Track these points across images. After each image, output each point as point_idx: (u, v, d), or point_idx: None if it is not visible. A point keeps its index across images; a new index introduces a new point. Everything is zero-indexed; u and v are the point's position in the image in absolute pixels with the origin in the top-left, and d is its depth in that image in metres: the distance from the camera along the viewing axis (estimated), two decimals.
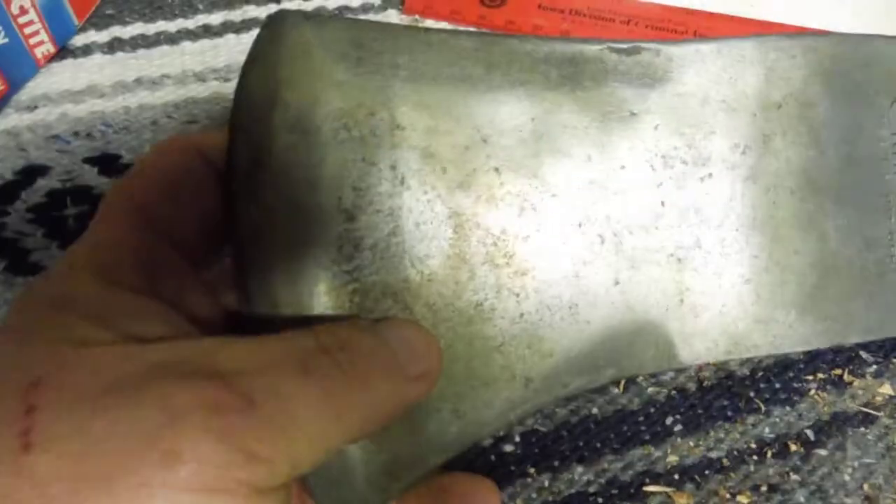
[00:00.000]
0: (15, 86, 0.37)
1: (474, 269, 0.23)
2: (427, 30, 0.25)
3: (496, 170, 0.23)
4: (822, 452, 0.29)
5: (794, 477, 0.28)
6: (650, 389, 0.30)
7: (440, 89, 0.23)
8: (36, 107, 0.37)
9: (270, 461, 0.16)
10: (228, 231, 0.22)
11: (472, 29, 0.42)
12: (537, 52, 0.24)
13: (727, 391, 0.30)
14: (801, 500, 0.28)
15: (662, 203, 0.25)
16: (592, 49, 0.24)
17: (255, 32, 0.40)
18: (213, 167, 0.22)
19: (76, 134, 0.37)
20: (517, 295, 0.23)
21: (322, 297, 0.21)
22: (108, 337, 0.17)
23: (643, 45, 0.25)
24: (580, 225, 0.24)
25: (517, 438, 0.29)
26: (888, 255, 0.27)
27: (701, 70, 0.25)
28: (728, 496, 0.28)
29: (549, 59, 0.24)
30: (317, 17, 0.22)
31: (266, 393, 0.17)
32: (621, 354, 0.24)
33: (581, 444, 0.29)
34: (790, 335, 0.26)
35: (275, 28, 0.22)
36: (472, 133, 0.23)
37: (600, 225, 0.24)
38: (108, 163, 0.36)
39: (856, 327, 0.26)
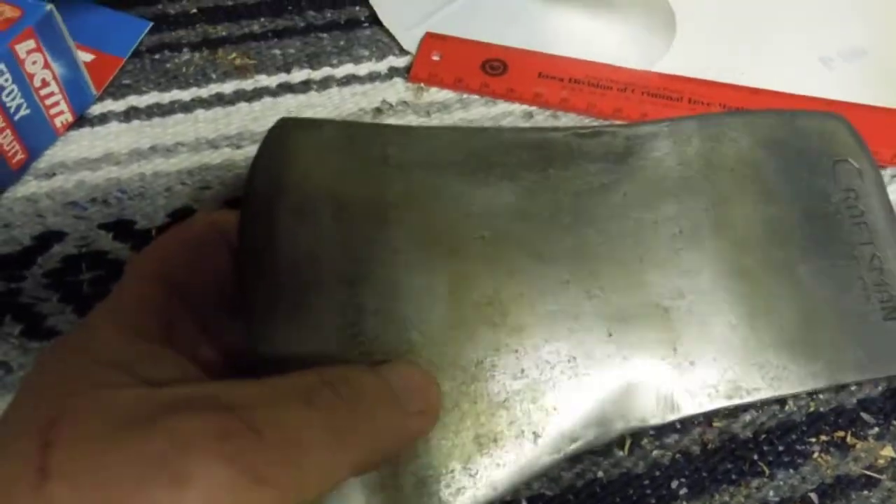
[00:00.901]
0: (34, 154, 0.39)
1: (472, 328, 0.24)
2: (410, 126, 0.29)
3: (483, 238, 0.26)
4: None
5: None
6: (655, 452, 0.31)
7: (426, 173, 0.26)
8: (54, 174, 0.39)
9: (279, 486, 0.17)
10: (238, 300, 0.24)
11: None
12: (511, 140, 0.28)
13: (731, 454, 0.31)
14: None
15: (640, 259, 0.27)
16: (559, 135, 0.29)
17: (265, 100, 0.42)
18: (226, 240, 0.25)
19: (93, 200, 0.38)
20: (516, 351, 0.25)
21: (329, 360, 0.23)
22: (125, 380, 0.19)
23: (602, 129, 0.29)
24: (567, 283, 0.26)
25: (524, 503, 0.29)
26: (864, 297, 0.28)
27: (655, 146, 0.29)
28: None
29: (522, 145, 0.28)
30: (314, 120, 0.26)
31: (272, 422, 0.18)
32: (624, 406, 0.25)
33: None
34: (786, 376, 0.27)
35: (278, 132, 0.25)
36: (458, 207, 0.26)
37: (586, 282, 0.26)
38: (122, 228, 0.37)
39: (848, 365, 0.27)
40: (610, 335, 0.26)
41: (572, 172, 0.28)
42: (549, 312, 0.25)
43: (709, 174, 0.29)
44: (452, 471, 0.23)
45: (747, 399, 0.26)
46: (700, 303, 0.27)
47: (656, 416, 0.26)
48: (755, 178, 0.29)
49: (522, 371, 0.24)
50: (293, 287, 0.23)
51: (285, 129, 0.25)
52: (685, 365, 0.26)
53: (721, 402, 0.26)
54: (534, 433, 0.24)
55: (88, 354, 0.19)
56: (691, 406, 0.26)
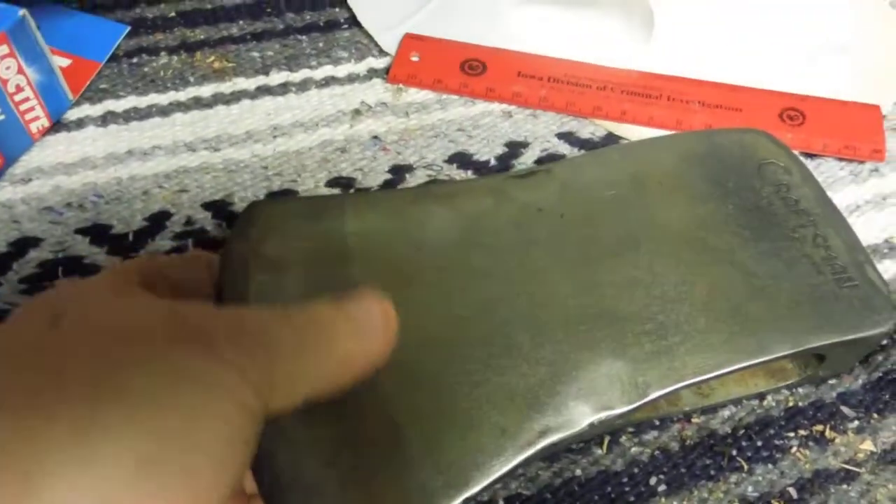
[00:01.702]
0: (10, 159, 0.39)
1: (433, 344, 0.26)
2: (368, 192, 0.34)
3: (435, 267, 0.28)
4: None
5: None
6: (633, 449, 0.31)
7: (380, 222, 0.29)
8: (30, 179, 0.38)
9: (258, 381, 0.18)
10: None
11: (452, 96, 0.43)
12: (455, 189, 0.31)
13: (710, 450, 0.31)
14: None
15: (586, 265, 0.29)
16: (497, 179, 0.32)
17: (244, 103, 0.42)
18: (209, 266, 0.28)
19: (69, 205, 0.38)
20: (475, 358, 0.26)
21: None
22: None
23: (535, 169, 0.32)
24: (517, 294, 0.28)
25: (501, 503, 0.29)
26: (814, 271, 0.29)
27: (584, 174, 0.32)
28: None
29: (465, 192, 0.31)
30: (282, 199, 0.31)
31: (255, 322, 0.19)
32: (590, 395, 0.26)
33: None
34: (748, 347, 0.27)
35: (251, 209, 0.29)
36: (410, 244, 0.29)
37: (536, 291, 0.28)
38: (99, 233, 0.37)
39: (810, 331, 0.28)
40: (567, 334, 0.27)
41: (509, 206, 0.30)
42: (504, 320, 0.27)
43: (637, 189, 0.32)
44: (423, 467, 0.23)
45: (713, 373, 0.27)
46: (649, 296, 0.28)
47: (622, 402, 0.26)
48: (682, 186, 0.32)
49: (484, 374, 0.26)
50: None
51: (257, 206, 0.29)
52: (644, 352, 0.27)
53: (687, 380, 0.26)
54: (500, 426, 0.24)
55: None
56: (657, 389, 0.26)
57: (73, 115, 0.41)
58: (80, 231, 0.37)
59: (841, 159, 0.41)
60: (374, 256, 0.28)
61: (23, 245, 0.36)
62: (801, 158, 0.34)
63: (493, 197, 0.31)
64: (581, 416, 0.25)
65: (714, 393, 0.31)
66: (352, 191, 0.39)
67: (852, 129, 0.41)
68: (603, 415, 0.25)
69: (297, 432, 0.24)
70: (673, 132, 0.41)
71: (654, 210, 0.31)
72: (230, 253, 0.27)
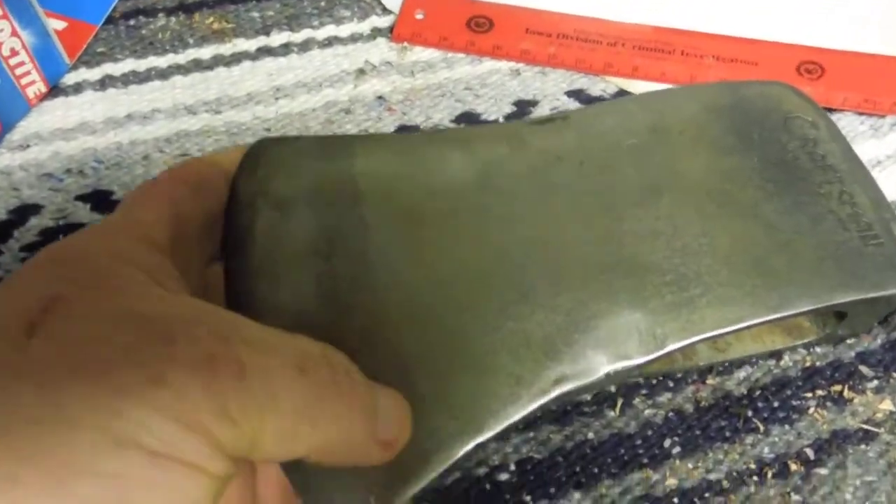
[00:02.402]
0: (7, 125, 0.38)
1: (442, 287, 0.25)
2: (379, 133, 0.32)
3: (447, 210, 0.27)
4: (823, 472, 0.29)
5: (794, 497, 0.28)
6: (647, 411, 0.30)
7: (392, 163, 0.28)
8: (28, 146, 0.38)
9: (239, 426, 0.17)
10: (226, 292, 0.25)
11: (458, 54, 0.42)
12: (469, 133, 0.30)
13: (725, 411, 0.30)
14: None
15: (606, 213, 0.28)
16: (514, 126, 0.31)
17: (244, 65, 0.41)
18: (226, 174, 0.26)
19: (68, 171, 0.37)
20: (488, 302, 0.25)
21: (310, 319, 0.24)
22: (143, 279, 0.19)
23: (553, 115, 0.31)
24: (534, 239, 0.27)
25: (512, 466, 0.29)
26: (840, 227, 0.28)
27: (603, 122, 0.30)
28: None
29: (480, 137, 0.29)
30: (290, 136, 0.29)
31: (259, 369, 0.17)
32: (605, 342, 0.25)
33: (578, 469, 0.29)
34: (769, 301, 0.26)
35: (257, 146, 0.27)
36: (423, 187, 0.27)
37: (553, 237, 0.27)
38: (100, 199, 0.36)
39: (833, 287, 0.27)
40: (585, 283, 0.26)
41: (527, 152, 0.29)
42: (520, 266, 0.26)
43: (657, 138, 0.30)
44: (434, 411, 0.23)
45: (733, 326, 0.26)
46: (670, 247, 0.27)
47: (640, 353, 0.25)
48: (704, 137, 0.30)
49: (498, 320, 0.25)
50: (272, 265, 0.25)
51: (264, 144, 0.27)
52: (664, 303, 0.26)
53: (707, 333, 0.26)
54: (514, 374, 0.24)
55: (109, 251, 0.20)
56: (675, 341, 0.25)
57: (70, 79, 0.40)
58: (80, 198, 0.36)
59: (861, 113, 0.40)
60: (385, 197, 0.27)
61: (23, 212, 0.35)
62: (832, 119, 0.33)
63: (509, 143, 0.29)
64: (598, 365, 0.24)
65: (730, 348, 0.31)
66: None
67: (872, 82, 0.40)
68: (620, 364, 0.25)
69: None
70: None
71: (675, 160, 0.29)
72: (236, 190, 0.26)
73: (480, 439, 0.23)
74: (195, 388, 0.16)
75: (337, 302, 0.24)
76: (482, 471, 0.28)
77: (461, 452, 0.22)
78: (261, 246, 0.25)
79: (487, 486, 0.28)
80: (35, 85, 0.38)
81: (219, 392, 0.17)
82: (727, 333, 0.26)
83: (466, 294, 0.25)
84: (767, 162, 0.30)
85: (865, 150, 0.38)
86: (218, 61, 0.41)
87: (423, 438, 0.22)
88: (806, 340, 0.31)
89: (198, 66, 0.41)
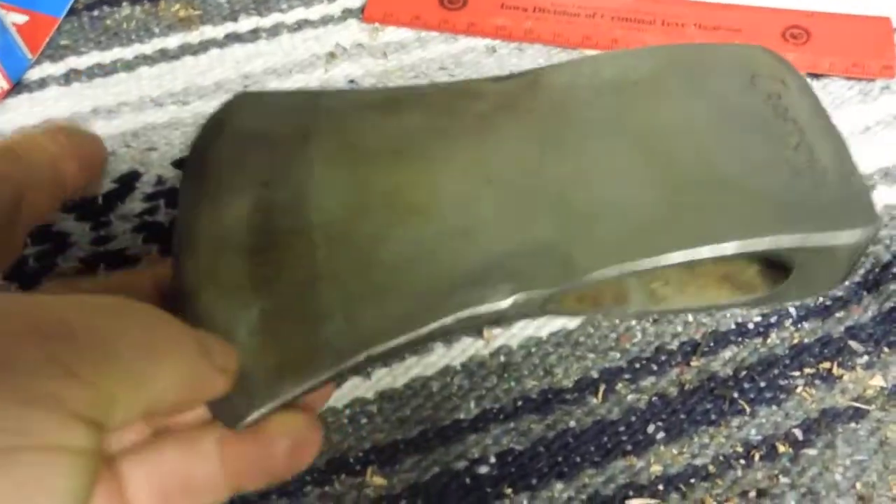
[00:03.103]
0: None
1: (372, 211, 0.26)
2: (343, 89, 0.34)
3: (392, 149, 0.28)
4: (812, 452, 0.28)
5: (783, 480, 0.27)
6: (630, 397, 0.29)
7: (349, 112, 0.29)
8: None
9: (86, 381, 0.16)
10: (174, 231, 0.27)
11: (432, 33, 0.41)
12: (429, 88, 0.31)
13: (710, 393, 0.29)
14: (792, 503, 0.27)
15: (542, 154, 0.28)
16: (474, 82, 0.31)
17: (212, 52, 0.40)
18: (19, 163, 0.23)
19: None
20: (408, 225, 0.26)
21: (240, 237, 0.26)
22: None
23: (514, 74, 0.31)
24: (465, 172, 0.27)
25: (492, 459, 0.28)
26: (793, 173, 0.27)
27: (560, 76, 0.30)
28: None
29: (438, 90, 0.30)
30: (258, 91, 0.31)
31: (85, 326, 0.17)
32: (514, 270, 0.25)
33: (560, 459, 0.28)
34: (693, 235, 0.25)
35: (227, 102, 0.29)
36: (373, 130, 0.28)
37: (483, 172, 0.27)
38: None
39: (770, 225, 0.26)
40: (505, 217, 0.26)
41: (480, 102, 0.29)
42: (446, 203, 0.27)
43: (612, 89, 0.30)
44: (332, 317, 0.24)
45: (650, 258, 0.25)
46: (601, 187, 0.27)
47: (549, 282, 0.25)
48: (661, 89, 0.30)
49: (412, 249, 0.25)
50: (216, 187, 0.27)
51: (235, 96, 0.30)
52: (581, 235, 0.26)
53: (622, 265, 0.25)
54: (417, 293, 0.24)
55: None
56: (587, 272, 0.25)
57: (33, 74, 0.39)
58: None
59: (849, 78, 0.38)
60: (335, 137, 0.28)
61: None
62: (806, 78, 0.32)
63: (467, 96, 0.30)
64: (502, 292, 0.24)
65: (669, 299, 0.29)
66: None
67: (861, 46, 0.39)
68: (526, 294, 0.24)
69: (224, 275, 0.25)
70: None
71: (624, 109, 0.29)
72: (203, 129, 0.28)
73: (371, 352, 0.23)
74: (29, 358, 0.15)
75: (267, 222, 0.26)
76: (461, 464, 0.28)
77: (349, 363, 0.23)
78: (212, 172, 0.27)
79: (467, 480, 0.28)
80: None
81: (53, 353, 0.16)
82: (646, 271, 0.25)
83: (388, 223, 0.26)
84: (723, 112, 0.29)
85: (854, 116, 0.37)
86: (185, 50, 0.40)
87: (317, 345, 0.23)
88: (753, 297, 0.29)
89: (164, 55, 0.40)
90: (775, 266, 0.27)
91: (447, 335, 0.27)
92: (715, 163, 0.27)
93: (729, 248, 0.25)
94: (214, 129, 0.28)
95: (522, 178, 0.27)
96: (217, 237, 0.26)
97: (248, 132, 0.28)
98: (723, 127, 0.28)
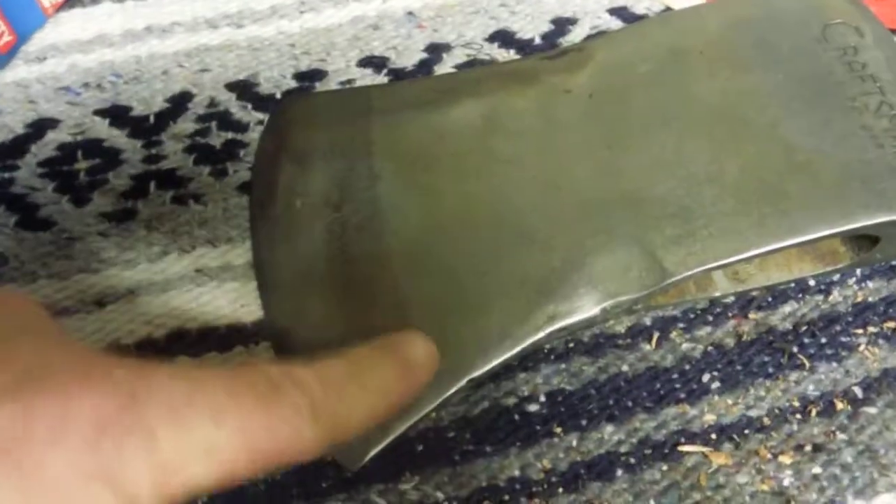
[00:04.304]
0: (23, 37, 0.36)
1: (446, 227, 0.26)
2: (392, 83, 0.34)
3: (454, 154, 0.27)
4: (872, 410, 0.27)
5: (840, 436, 0.27)
6: (685, 346, 0.29)
7: (404, 112, 0.28)
8: (45, 58, 0.36)
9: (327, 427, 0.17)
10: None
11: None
12: (478, 74, 0.31)
13: (768, 346, 0.29)
14: (849, 460, 0.26)
15: (609, 148, 0.27)
16: (527, 62, 0.30)
17: None
18: None
19: (86, 85, 0.35)
20: (488, 243, 0.25)
21: (320, 269, 0.25)
22: None
23: (570, 48, 0.30)
24: (534, 178, 0.26)
25: (542, 398, 0.28)
26: (873, 143, 0.26)
27: (619, 48, 0.29)
28: (769, 456, 0.26)
29: (489, 75, 0.30)
30: (310, 93, 0.32)
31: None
32: (600, 279, 0.25)
33: (611, 402, 0.28)
34: (777, 228, 0.25)
35: (281, 104, 0.30)
36: (431, 133, 0.28)
37: (555, 177, 0.26)
38: (118, 114, 0.35)
39: (856, 209, 0.25)
40: (583, 220, 0.25)
41: (537, 89, 0.29)
42: (518, 207, 0.26)
43: (675, 62, 0.29)
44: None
45: (736, 257, 0.25)
46: (674, 178, 0.26)
47: (636, 288, 0.24)
48: (726, 56, 0.29)
49: (494, 261, 0.25)
50: (289, 216, 0.26)
51: (287, 101, 0.30)
52: (664, 236, 0.25)
53: (707, 265, 0.25)
54: (509, 315, 0.24)
55: None
56: (673, 274, 0.24)
57: None
58: (98, 112, 0.35)
59: None
60: (395, 145, 0.28)
61: (40, 126, 0.34)
62: (883, 26, 0.30)
63: (520, 81, 0.29)
64: (591, 301, 0.24)
65: (752, 278, 0.29)
66: (384, 71, 0.36)
67: None
68: (614, 300, 0.24)
69: (312, 310, 0.25)
70: None
71: (691, 84, 0.28)
72: (262, 147, 0.28)
73: (471, 376, 0.23)
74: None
75: (344, 250, 0.25)
76: (511, 401, 0.27)
77: (453, 389, 0.23)
78: (281, 198, 0.27)
79: (516, 417, 0.27)
80: None
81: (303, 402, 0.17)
82: (731, 264, 0.25)
83: (465, 237, 0.26)
84: (795, 77, 0.28)
85: None
86: None
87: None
88: (839, 266, 0.29)
89: None
90: (859, 234, 0.26)
91: (537, 348, 0.27)
92: (792, 142, 0.26)
93: (814, 236, 0.25)
94: (272, 146, 0.28)
95: (592, 177, 0.26)
96: (297, 272, 0.25)
97: (307, 147, 0.27)
98: (796, 96, 0.27)
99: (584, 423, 0.27)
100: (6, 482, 0.14)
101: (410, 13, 0.38)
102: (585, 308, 0.24)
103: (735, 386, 0.28)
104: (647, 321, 0.29)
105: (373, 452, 0.23)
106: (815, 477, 0.26)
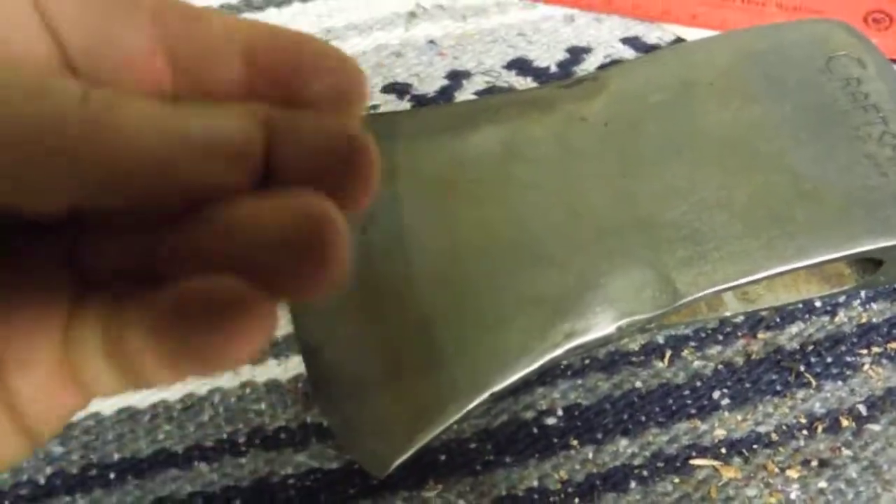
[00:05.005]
0: None
1: (466, 249, 0.27)
2: (418, 108, 0.35)
3: (474, 180, 0.29)
4: (876, 428, 0.28)
5: (845, 452, 0.28)
6: (696, 363, 0.30)
7: (425, 137, 0.30)
8: None
9: None
10: None
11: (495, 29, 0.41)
12: (496, 102, 0.31)
13: (776, 365, 0.30)
14: (854, 475, 0.27)
15: (624, 176, 0.28)
16: (544, 90, 0.32)
17: (295, 6, 0.41)
18: None
19: None
20: (505, 264, 0.27)
21: (348, 290, 0.26)
22: None
23: (585, 77, 0.32)
24: (553, 204, 0.28)
25: (560, 412, 0.29)
26: (875, 172, 0.28)
27: (633, 79, 0.31)
28: (777, 470, 0.27)
29: (507, 103, 0.31)
30: None
31: None
32: (615, 298, 0.26)
33: (625, 416, 0.29)
34: (784, 251, 0.26)
35: None
36: (451, 158, 0.29)
37: (573, 202, 0.28)
38: None
39: (860, 234, 0.27)
40: (599, 244, 0.27)
41: (553, 116, 0.30)
42: (535, 231, 0.27)
43: (686, 93, 0.30)
44: (453, 368, 0.25)
45: (746, 278, 0.26)
46: (686, 203, 0.28)
47: (650, 308, 0.26)
48: (735, 88, 0.30)
49: (513, 282, 0.27)
50: None
51: None
52: (676, 258, 0.27)
53: (718, 286, 0.26)
54: (527, 332, 0.26)
55: None
56: (686, 294, 0.26)
57: None
58: None
59: None
60: (418, 171, 0.29)
61: None
62: (885, 57, 0.32)
63: (538, 108, 0.30)
64: (607, 320, 0.26)
65: (761, 298, 0.30)
66: (407, 97, 0.38)
67: None
68: (629, 319, 0.26)
69: (341, 330, 0.26)
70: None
71: (700, 114, 0.30)
72: None
73: (492, 390, 0.25)
74: None
75: (370, 274, 0.27)
76: (530, 414, 0.29)
77: (475, 402, 0.25)
78: None
79: (535, 430, 0.28)
80: None
81: None
82: (742, 285, 0.26)
83: (486, 259, 0.27)
84: (801, 107, 0.29)
85: None
86: (269, 2, 0.41)
87: (442, 389, 0.25)
88: (844, 288, 0.30)
89: (248, 6, 0.41)
90: (864, 258, 0.27)
91: (554, 364, 0.28)
92: (798, 171, 0.28)
93: (820, 259, 0.26)
94: None
95: (607, 202, 0.28)
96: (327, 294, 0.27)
97: None
98: (802, 126, 0.29)
99: (599, 436, 0.28)
100: None
101: (432, 41, 0.40)
102: (601, 326, 0.26)
103: (744, 402, 0.29)
104: (661, 339, 0.31)
105: (399, 461, 0.24)
106: (821, 491, 0.27)
